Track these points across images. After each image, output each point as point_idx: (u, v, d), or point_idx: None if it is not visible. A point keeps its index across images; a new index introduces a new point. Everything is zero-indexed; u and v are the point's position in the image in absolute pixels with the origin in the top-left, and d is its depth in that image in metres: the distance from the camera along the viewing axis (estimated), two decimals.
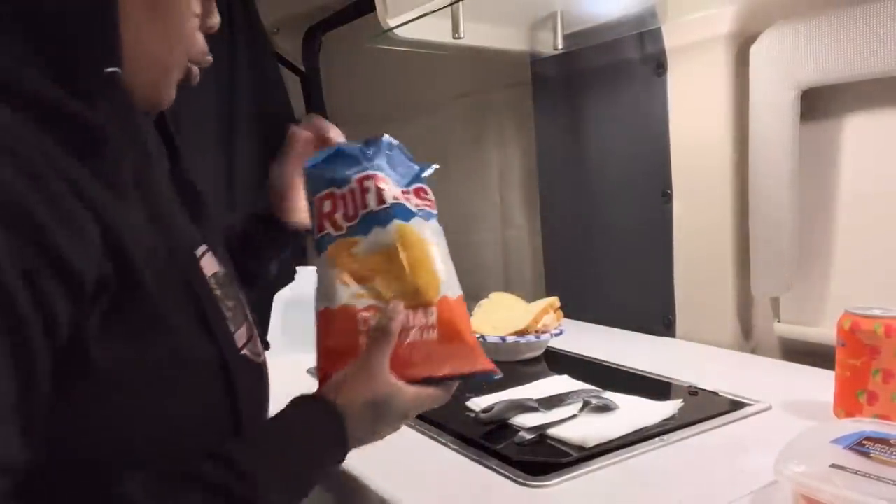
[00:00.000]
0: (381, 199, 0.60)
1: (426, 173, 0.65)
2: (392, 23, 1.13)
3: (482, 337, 1.09)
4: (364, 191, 0.60)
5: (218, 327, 0.53)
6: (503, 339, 1.10)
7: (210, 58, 0.59)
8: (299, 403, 0.55)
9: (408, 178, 0.63)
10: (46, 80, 0.46)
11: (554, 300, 1.19)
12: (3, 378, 0.40)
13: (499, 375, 0.61)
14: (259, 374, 0.60)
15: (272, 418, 0.56)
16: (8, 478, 0.40)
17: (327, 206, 0.62)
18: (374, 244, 0.60)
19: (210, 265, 0.56)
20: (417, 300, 0.59)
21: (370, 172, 0.61)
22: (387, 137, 0.63)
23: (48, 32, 0.47)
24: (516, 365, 1.11)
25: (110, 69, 0.49)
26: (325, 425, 0.54)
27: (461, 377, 0.60)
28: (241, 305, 0.60)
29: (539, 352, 1.16)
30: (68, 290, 0.42)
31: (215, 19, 0.59)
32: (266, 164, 0.83)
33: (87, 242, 0.44)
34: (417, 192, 0.62)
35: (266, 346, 0.68)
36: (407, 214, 0.60)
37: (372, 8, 1.15)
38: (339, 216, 0.61)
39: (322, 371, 0.59)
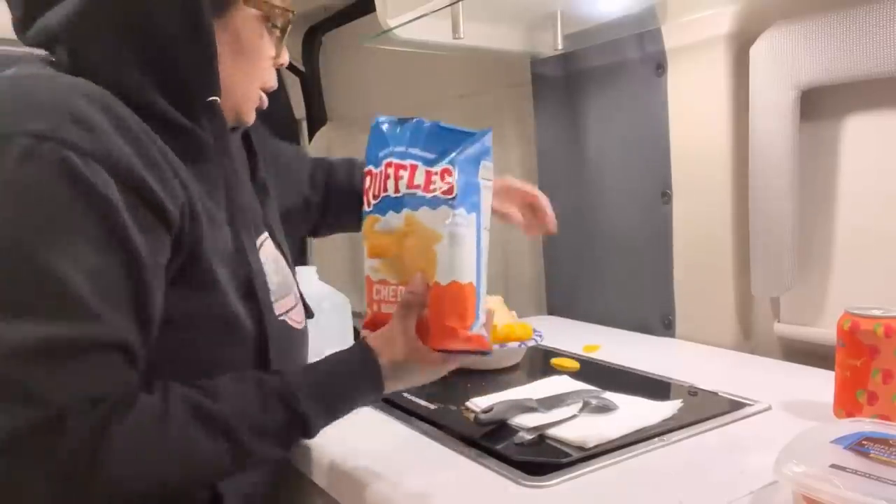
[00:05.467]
0: (396, 188, 0.66)
1: (466, 151, 0.66)
2: (392, 23, 1.13)
3: None
4: (386, 177, 0.68)
5: (261, 295, 0.68)
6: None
7: (276, 84, 0.76)
8: (351, 349, 0.68)
9: (443, 156, 0.66)
10: (166, 102, 0.63)
11: (526, 326, 1.11)
12: (120, 278, 0.55)
13: (489, 355, 0.70)
14: (298, 337, 0.78)
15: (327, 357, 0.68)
16: (125, 357, 0.55)
17: (367, 181, 0.70)
18: (388, 226, 0.67)
19: (268, 248, 0.76)
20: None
21: (392, 160, 0.68)
22: (418, 119, 0.69)
23: (168, 71, 0.63)
24: (511, 367, 1.09)
25: (211, 98, 0.66)
26: (365, 371, 0.66)
27: (459, 352, 0.67)
28: (287, 282, 0.77)
29: (517, 360, 1.10)
30: (163, 221, 0.59)
31: (285, 57, 0.75)
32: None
33: (175, 196, 0.60)
34: (442, 175, 0.65)
35: (310, 315, 0.83)
36: (417, 203, 0.65)
37: (372, 8, 1.15)
38: (370, 194, 0.69)
39: (363, 328, 0.71)
